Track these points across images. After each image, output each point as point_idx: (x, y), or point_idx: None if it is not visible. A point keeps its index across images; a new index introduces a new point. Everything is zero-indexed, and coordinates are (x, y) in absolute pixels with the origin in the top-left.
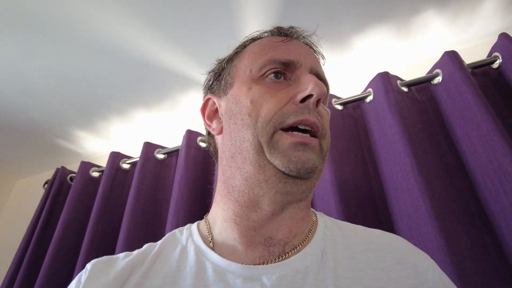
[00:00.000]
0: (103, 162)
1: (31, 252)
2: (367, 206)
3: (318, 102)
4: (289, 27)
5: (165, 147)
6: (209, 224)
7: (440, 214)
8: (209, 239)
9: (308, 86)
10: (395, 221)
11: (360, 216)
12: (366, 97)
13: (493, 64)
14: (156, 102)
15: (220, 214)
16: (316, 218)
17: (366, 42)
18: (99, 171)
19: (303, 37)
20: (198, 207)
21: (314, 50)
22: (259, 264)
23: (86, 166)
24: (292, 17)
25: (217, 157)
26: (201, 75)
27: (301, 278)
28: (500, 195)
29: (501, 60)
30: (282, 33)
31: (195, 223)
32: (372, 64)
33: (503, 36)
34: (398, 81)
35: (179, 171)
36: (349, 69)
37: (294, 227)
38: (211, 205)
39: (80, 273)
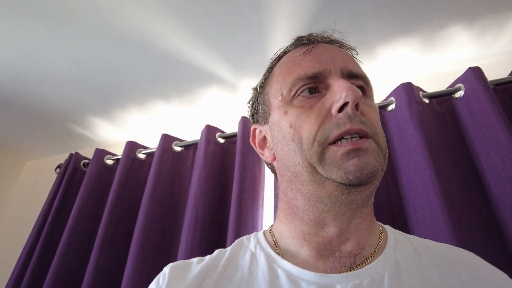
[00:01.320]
0: (116, 150)
1: (46, 235)
2: (384, 213)
3: (357, 105)
4: (309, 35)
5: (182, 140)
6: (275, 236)
7: (458, 225)
8: (277, 250)
9: (342, 94)
10: (411, 229)
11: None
12: (388, 105)
13: None
14: (176, 95)
15: (287, 231)
16: (384, 231)
17: (390, 52)
18: (113, 159)
19: (326, 37)
20: (216, 202)
21: (343, 45)
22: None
23: (101, 153)
24: (321, 23)
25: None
26: (225, 72)
27: (377, 287)
28: None
29: None
30: (304, 43)
31: (261, 232)
32: (395, 74)
33: None
34: (421, 93)
35: (198, 165)
36: (372, 76)
37: (361, 239)
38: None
39: (157, 277)
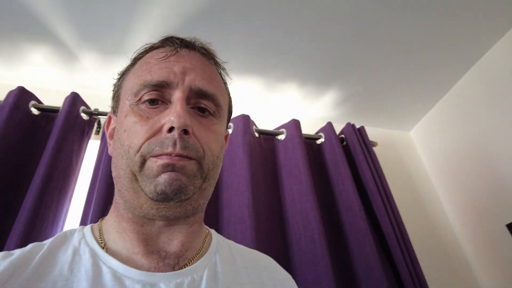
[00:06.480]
0: None
1: None
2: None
3: (186, 130)
4: (180, 39)
5: None
6: (103, 231)
7: (261, 244)
8: (102, 245)
9: (171, 118)
10: None
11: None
12: None
13: (317, 140)
14: None
15: (113, 225)
16: (210, 234)
17: (240, 84)
18: None
19: (193, 44)
20: (7, 184)
21: (212, 57)
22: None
23: None
24: (190, 32)
25: None
26: (69, 36)
27: (196, 286)
28: (301, 238)
29: (323, 140)
30: (168, 46)
31: (88, 226)
32: (239, 104)
33: (329, 124)
34: (254, 127)
35: None
36: None
37: (186, 242)
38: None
39: None
